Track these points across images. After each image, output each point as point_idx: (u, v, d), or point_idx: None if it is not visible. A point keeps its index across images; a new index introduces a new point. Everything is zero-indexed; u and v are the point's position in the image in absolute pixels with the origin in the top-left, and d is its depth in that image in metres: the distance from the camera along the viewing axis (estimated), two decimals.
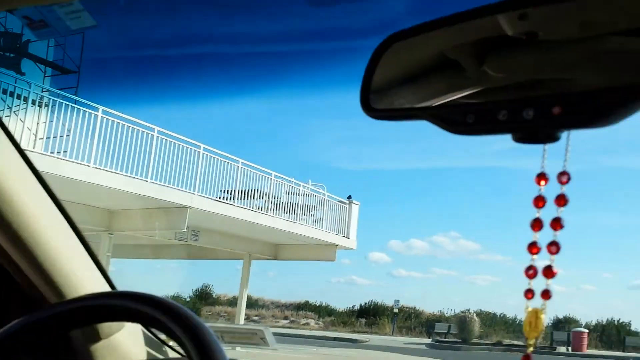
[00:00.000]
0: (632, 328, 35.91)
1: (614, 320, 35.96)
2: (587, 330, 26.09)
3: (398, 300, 29.13)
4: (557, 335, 28.19)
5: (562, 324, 34.49)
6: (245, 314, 19.04)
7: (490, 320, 34.85)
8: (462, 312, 25.87)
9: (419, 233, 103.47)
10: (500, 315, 37.03)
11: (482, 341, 25.56)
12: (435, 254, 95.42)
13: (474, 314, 25.62)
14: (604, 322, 35.76)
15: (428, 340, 25.46)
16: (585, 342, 24.98)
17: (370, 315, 34.53)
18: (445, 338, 26.35)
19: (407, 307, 35.79)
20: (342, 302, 51.39)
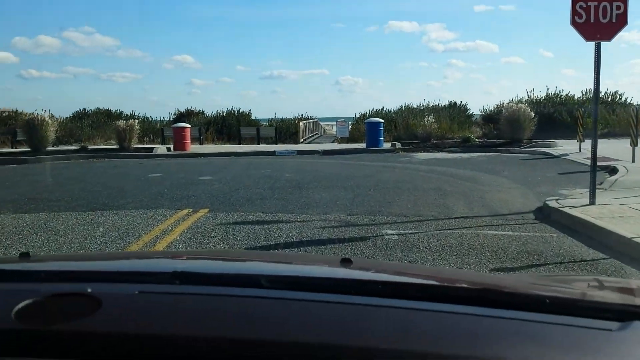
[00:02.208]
0: (253, 117, 33.84)
1: (234, 110, 33.14)
2: (188, 126, 21.12)
3: None
4: (168, 131, 24.28)
5: (184, 118, 32.33)
6: None
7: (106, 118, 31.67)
8: (31, 114, 20.58)
9: (47, 29, 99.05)
10: (115, 112, 33.79)
11: (61, 148, 21.14)
12: (68, 52, 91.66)
13: (46, 116, 20.41)
14: (224, 113, 32.97)
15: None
16: (188, 140, 20.47)
17: None
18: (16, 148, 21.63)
19: (6, 111, 30.00)
20: None
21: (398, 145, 20.52)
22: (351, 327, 1.08)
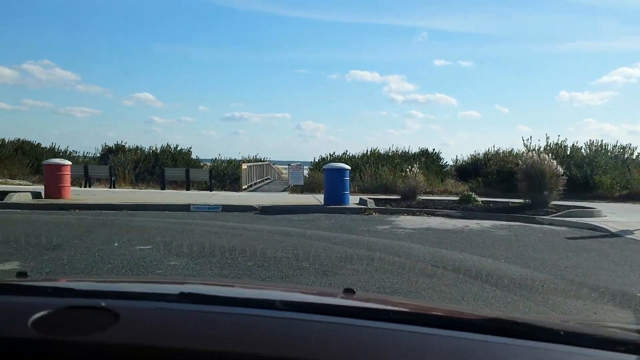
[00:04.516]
0: (194, 156, 31.55)
1: (170, 147, 30.30)
2: (68, 163, 14.99)
3: None
4: (77, 169, 21.78)
5: (111, 154, 29.99)
6: None
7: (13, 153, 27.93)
8: None
9: (5, 59, 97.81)
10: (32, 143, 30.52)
11: None
12: (26, 84, 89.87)
13: None
14: (158, 150, 29.86)
15: None
16: (68, 183, 14.46)
17: None
18: None
19: None
20: None
21: (370, 202, 14.57)
22: (369, 347, 1.07)
